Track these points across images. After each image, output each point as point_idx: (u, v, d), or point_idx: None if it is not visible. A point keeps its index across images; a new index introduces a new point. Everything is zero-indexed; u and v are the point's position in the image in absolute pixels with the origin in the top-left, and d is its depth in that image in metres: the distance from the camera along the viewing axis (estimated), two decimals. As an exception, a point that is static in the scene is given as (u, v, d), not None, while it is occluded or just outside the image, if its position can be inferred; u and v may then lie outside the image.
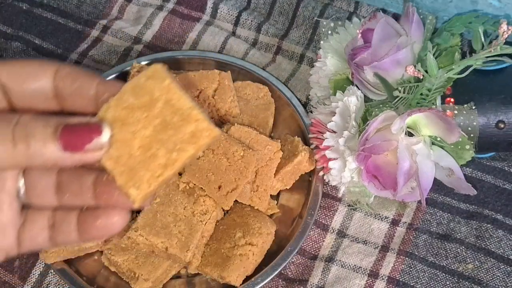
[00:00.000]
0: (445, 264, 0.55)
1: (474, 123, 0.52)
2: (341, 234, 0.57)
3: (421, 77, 0.50)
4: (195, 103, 0.30)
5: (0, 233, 0.33)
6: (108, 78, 0.62)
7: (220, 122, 0.59)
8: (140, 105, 0.30)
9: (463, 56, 0.52)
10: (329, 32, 0.60)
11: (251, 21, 0.69)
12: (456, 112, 0.52)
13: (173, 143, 0.29)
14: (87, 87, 0.32)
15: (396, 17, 0.63)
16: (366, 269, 0.55)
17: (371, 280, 0.54)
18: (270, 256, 0.54)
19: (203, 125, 0.29)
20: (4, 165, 0.29)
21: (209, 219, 0.54)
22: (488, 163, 0.59)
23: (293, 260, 0.56)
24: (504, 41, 0.49)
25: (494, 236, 0.55)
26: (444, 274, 0.54)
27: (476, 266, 0.54)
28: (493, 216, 0.56)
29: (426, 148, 0.50)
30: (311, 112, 0.59)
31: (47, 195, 0.35)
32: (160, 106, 0.30)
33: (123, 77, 0.62)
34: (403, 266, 0.55)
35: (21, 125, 0.29)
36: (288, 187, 0.58)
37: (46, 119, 0.30)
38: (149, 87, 0.30)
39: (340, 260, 0.56)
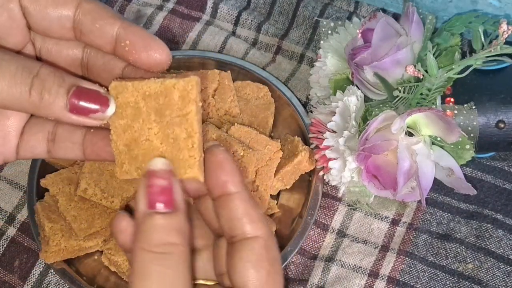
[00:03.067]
0: (445, 264, 0.55)
1: (474, 123, 0.52)
2: (341, 234, 0.57)
3: (421, 77, 0.50)
4: (199, 142, 0.31)
5: (3, 138, 0.36)
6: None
7: (220, 122, 0.59)
8: (156, 109, 0.31)
9: (463, 56, 0.52)
10: (329, 32, 0.60)
11: (251, 21, 0.69)
12: (456, 112, 0.52)
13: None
14: (108, 29, 0.33)
15: (396, 17, 0.63)
16: (366, 269, 0.55)
17: (371, 280, 0.54)
18: (270, 256, 0.54)
19: (190, 161, 0.31)
20: (15, 107, 0.32)
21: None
22: (488, 163, 0.59)
23: (293, 260, 0.56)
24: (504, 41, 0.49)
25: (494, 236, 0.55)
26: (444, 274, 0.54)
27: (476, 266, 0.54)
28: (493, 216, 0.56)
29: (426, 148, 0.50)
30: (311, 112, 0.59)
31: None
32: (172, 124, 0.31)
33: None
34: (403, 266, 0.55)
35: (39, 77, 0.31)
36: (288, 187, 0.58)
37: (62, 77, 0.32)
38: (174, 103, 0.31)
39: (340, 260, 0.56)
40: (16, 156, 0.37)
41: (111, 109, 0.32)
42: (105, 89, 0.33)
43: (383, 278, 0.54)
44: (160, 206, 0.30)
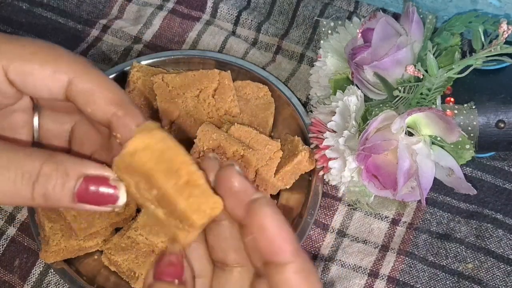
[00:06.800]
0: (445, 264, 0.55)
1: (474, 123, 0.52)
2: (341, 233, 0.57)
3: (421, 77, 0.50)
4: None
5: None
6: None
7: (220, 122, 0.59)
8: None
9: (463, 55, 0.52)
10: (329, 31, 0.60)
11: (251, 20, 0.69)
12: (456, 111, 0.52)
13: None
14: (99, 116, 0.32)
15: (396, 16, 0.63)
16: (366, 268, 0.55)
17: (371, 280, 0.54)
18: (270, 256, 0.54)
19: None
20: (22, 206, 0.31)
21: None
22: (488, 163, 0.59)
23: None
24: (504, 40, 0.49)
25: (494, 235, 0.55)
26: (444, 273, 0.54)
27: (476, 265, 0.54)
28: (493, 216, 0.56)
29: (426, 148, 0.50)
30: (311, 111, 0.59)
31: (59, 140, 0.36)
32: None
33: (123, 76, 0.62)
34: (403, 265, 0.55)
35: (40, 182, 0.30)
36: (288, 187, 0.58)
37: (66, 173, 0.30)
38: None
39: (340, 260, 0.56)
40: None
41: (122, 199, 0.30)
42: (115, 175, 0.30)
43: (383, 278, 0.54)
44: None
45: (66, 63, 0.32)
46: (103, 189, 0.30)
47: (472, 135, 0.52)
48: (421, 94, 0.51)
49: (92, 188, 0.30)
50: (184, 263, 0.30)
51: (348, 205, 0.58)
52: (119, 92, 0.32)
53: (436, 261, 0.55)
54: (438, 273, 0.54)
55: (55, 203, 0.30)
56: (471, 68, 0.50)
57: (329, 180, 0.54)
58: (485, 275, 0.54)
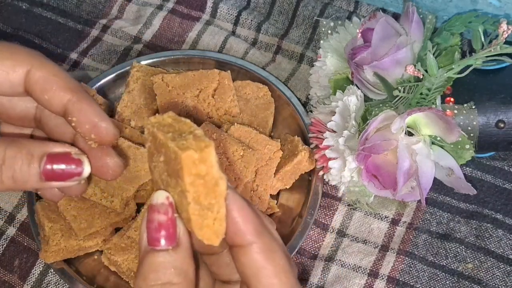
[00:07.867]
0: (445, 264, 0.55)
1: (474, 123, 0.52)
2: (341, 233, 0.57)
3: (421, 77, 0.50)
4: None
5: None
6: (107, 78, 0.63)
7: (220, 121, 0.59)
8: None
9: (463, 55, 0.52)
10: (329, 31, 0.60)
11: (251, 20, 0.69)
12: (456, 111, 0.52)
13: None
14: (56, 102, 0.33)
15: (396, 16, 0.63)
16: (366, 268, 0.55)
17: (371, 280, 0.54)
18: (270, 256, 0.54)
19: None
20: None
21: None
22: (488, 163, 0.59)
23: (292, 260, 0.56)
24: (504, 40, 0.49)
25: (494, 235, 0.55)
26: (444, 273, 0.54)
27: (476, 265, 0.54)
28: (493, 216, 0.56)
29: (426, 148, 0.50)
30: (311, 111, 0.59)
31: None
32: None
33: (123, 76, 0.62)
34: (403, 265, 0.55)
35: (7, 164, 0.31)
36: (288, 187, 0.58)
37: (30, 153, 0.31)
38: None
39: (340, 260, 0.56)
40: None
41: (86, 171, 0.31)
42: (76, 149, 0.31)
43: (383, 278, 0.54)
44: (161, 243, 0.29)
45: (23, 56, 0.34)
46: (67, 164, 0.31)
47: (472, 135, 0.52)
48: (421, 94, 0.51)
49: (57, 164, 0.31)
50: (178, 221, 0.29)
51: (348, 205, 0.58)
52: (73, 81, 0.34)
53: (436, 261, 0.55)
54: (438, 273, 0.54)
55: (24, 184, 0.31)
56: (471, 68, 0.50)
57: (329, 180, 0.54)
58: (485, 275, 0.54)
